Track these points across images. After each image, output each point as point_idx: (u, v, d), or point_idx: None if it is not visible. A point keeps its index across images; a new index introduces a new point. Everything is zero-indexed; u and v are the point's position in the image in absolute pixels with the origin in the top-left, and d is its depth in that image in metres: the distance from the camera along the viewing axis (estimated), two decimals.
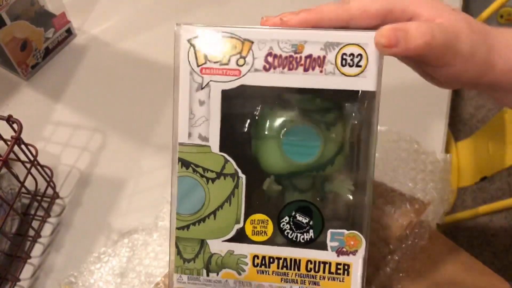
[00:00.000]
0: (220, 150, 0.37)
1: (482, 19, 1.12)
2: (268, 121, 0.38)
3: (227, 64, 0.36)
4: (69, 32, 0.74)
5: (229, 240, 0.38)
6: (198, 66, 0.36)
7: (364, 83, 0.35)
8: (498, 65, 0.35)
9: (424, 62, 0.36)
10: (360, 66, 0.35)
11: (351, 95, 0.36)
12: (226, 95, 0.36)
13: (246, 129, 0.38)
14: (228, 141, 0.37)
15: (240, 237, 0.38)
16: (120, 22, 0.78)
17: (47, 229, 0.59)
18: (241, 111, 0.38)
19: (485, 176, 0.92)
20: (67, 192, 0.61)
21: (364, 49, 0.35)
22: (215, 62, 0.36)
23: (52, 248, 0.58)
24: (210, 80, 0.36)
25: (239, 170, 0.37)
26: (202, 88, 0.36)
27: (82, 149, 0.65)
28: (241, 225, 0.38)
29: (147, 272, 0.55)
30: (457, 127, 1.44)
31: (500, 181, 1.33)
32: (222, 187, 0.37)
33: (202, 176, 0.37)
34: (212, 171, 0.37)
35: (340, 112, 0.37)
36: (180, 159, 0.37)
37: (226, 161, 0.37)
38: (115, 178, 0.62)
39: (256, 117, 0.38)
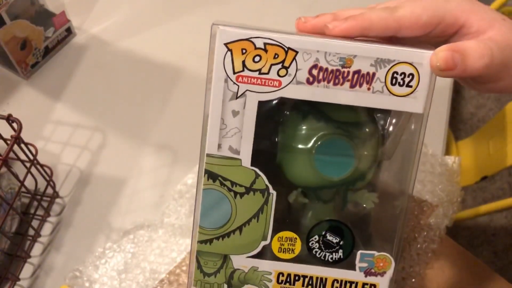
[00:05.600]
0: (252, 164, 0.35)
1: None
2: (300, 132, 0.36)
3: (267, 73, 0.33)
4: (69, 31, 0.74)
5: (254, 256, 0.36)
6: (234, 73, 0.33)
7: (412, 104, 0.33)
8: None
9: (473, 79, 0.34)
10: (410, 86, 0.33)
11: (393, 112, 0.34)
12: (259, 106, 0.34)
13: (278, 142, 0.36)
14: (260, 155, 0.35)
15: (266, 253, 0.36)
16: (120, 21, 0.78)
17: (47, 229, 0.59)
18: (274, 122, 0.35)
19: (486, 175, 0.91)
20: (67, 191, 0.61)
21: (416, 68, 0.32)
22: (254, 71, 0.33)
23: (52, 247, 0.58)
24: (247, 90, 0.33)
25: (270, 186, 0.35)
26: (237, 98, 0.33)
27: (82, 148, 0.65)
28: (267, 241, 0.36)
29: (151, 268, 0.55)
30: (457, 126, 1.43)
31: (500, 180, 1.33)
32: (250, 203, 0.35)
33: (230, 190, 0.35)
34: (241, 186, 0.35)
35: (376, 127, 0.36)
36: (206, 171, 0.35)
37: (257, 175, 0.35)
38: (115, 177, 0.62)
39: (288, 128, 0.36)
